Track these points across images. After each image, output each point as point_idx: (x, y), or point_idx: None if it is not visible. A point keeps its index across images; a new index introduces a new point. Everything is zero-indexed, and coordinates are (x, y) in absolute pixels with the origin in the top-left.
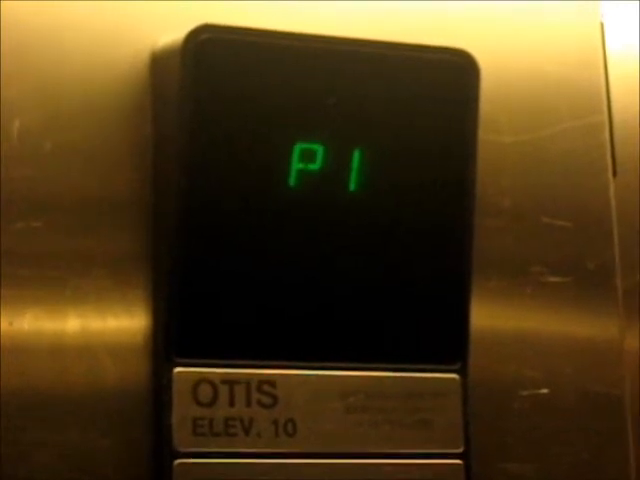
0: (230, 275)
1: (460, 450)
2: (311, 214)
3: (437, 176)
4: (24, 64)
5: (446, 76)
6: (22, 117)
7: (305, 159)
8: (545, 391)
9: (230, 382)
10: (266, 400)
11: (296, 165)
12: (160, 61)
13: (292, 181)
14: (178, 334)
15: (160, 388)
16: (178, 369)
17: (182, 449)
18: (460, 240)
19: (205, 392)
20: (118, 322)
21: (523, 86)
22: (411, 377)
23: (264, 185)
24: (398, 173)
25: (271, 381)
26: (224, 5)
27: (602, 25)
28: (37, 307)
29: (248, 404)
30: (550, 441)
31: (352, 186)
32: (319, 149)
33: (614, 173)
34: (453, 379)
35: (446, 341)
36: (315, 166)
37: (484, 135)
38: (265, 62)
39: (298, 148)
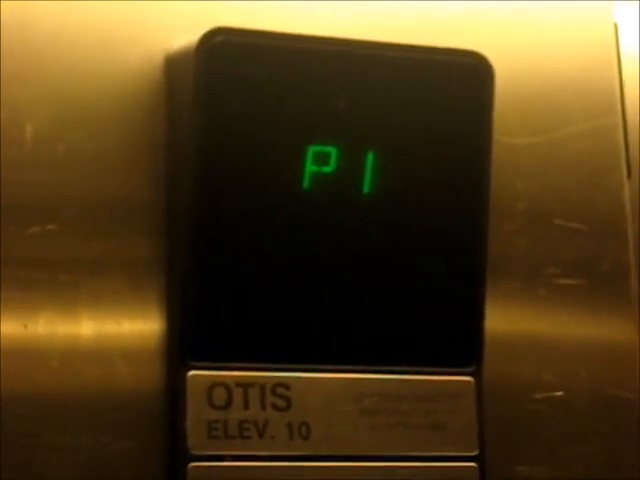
0: (244, 278)
1: (475, 453)
2: (325, 217)
3: (451, 178)
4: (37, 67)
5: (460, 78)
6: (35, 121)
7: (319, 162)
8: (560, 394)
9: (244, 385)
10: (280, 403)
11: (310, 168)
12: (174, 64)
13: (306, 184)
14: (192, 337)
15: (174, 391)
16: (192, 372)
17: (197, 452)
18: (474, 242)
19: (219, 395)
20: (132, 325)
21: (536, 87)
22: (425, 380)
23: (278, 188)
24: (412, 176)
25: (285, 384)
26: (238, 8)
27: (616, 26)
28: (51, 310)
29: (262, 407)
30: (565, 444)
31: (366, 189)
32: (333, 152)
33: (629, 175)
34: (467, 382)
35: (460, 343)
36: (329, 169)
37: (497, 137)
38: (278, 65)
39: (312, 151)
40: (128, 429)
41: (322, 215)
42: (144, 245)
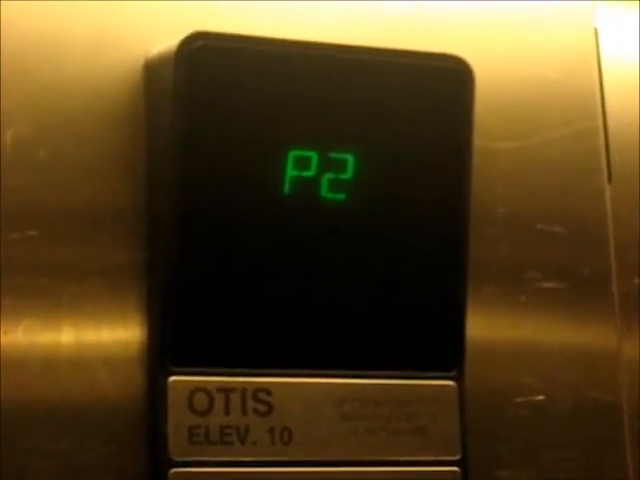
0: (225, 283)
1: (457, 457)
2: (306, 221)
3: (432, 183)
4: (18, 72)
5: (441, 82)
6: (16, 126)
7: (299, 166)
8: (541, 398)
9: (225, 390)
10: (262, 408)
11: (290, 172)
12: (153, 69)
13: (286, 188)
14: (173, 343)
15: (155, 397)
16: (173, 378)
17: (178, 458)
18: (456, 246)
19: (200, 401)
20: (113, 331)
21: (517, 92)
22: (407, 384)
23: (258, 193)
24: (392, 180)
25: (266, 389)
26: (218, 13)
27: (596, 30)
28: (31, 316)
29: (244, 412)
30: (547, 448)
31: (346, 194)
32: (313, 156)
33: (609, 179)
34: (449, 386)
35: (442, 348)
36: (309, 173)
37: (478, 141)
38: (258, 69)
39: (292, 155)
40: (109, 435)
41: (303, 220)
42: (125, 251)
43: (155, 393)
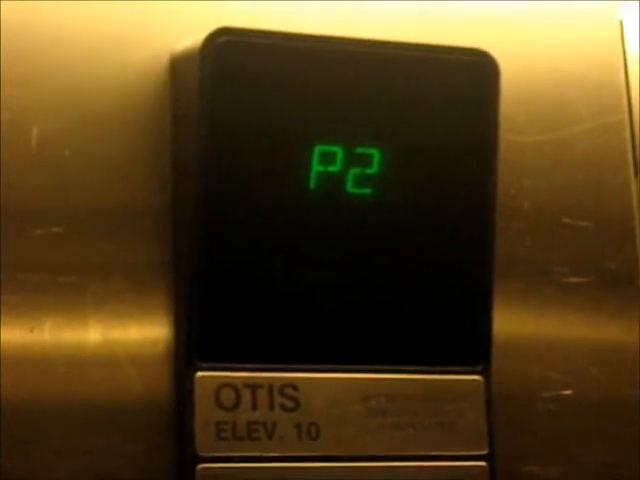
0: (251, 279)
1: (484, 452)
2: (332, 216)
3: (458, 177)
4: (42, 70)
5: (466, 77)
6: (41, 124)
7: (325, 161)
8: (568, 392)
9: (252, 386)
10: (288, 404)
11: (316, 167)
12: (179, 65)
13: (312, 183)
14: (200, 339)
15: (182, 393)
16: (200, 374)
17: (205, 454)
18: (482, 241)
19: (227, 396)
20: (139, 328)
21: (542, 86)
22: (434, 379)
23: (284, 188)
24: (418, 174)
25: (293, 384)
26: (243, 8)
27: (621, 23)
28: (57, 314)
29: (271, 408)
30: (574, 442)
31: (372, 188)
32: (339, 151)
33: (636, 173)
34: (476, 381)
35: (469, 343)
36: (335, 168)
37: (504, 135)
38: (284, 64)
39: (318, 150)
40: (136, 432)
41: (329, 215)
42: (150, 248)
43: (182, 389)
